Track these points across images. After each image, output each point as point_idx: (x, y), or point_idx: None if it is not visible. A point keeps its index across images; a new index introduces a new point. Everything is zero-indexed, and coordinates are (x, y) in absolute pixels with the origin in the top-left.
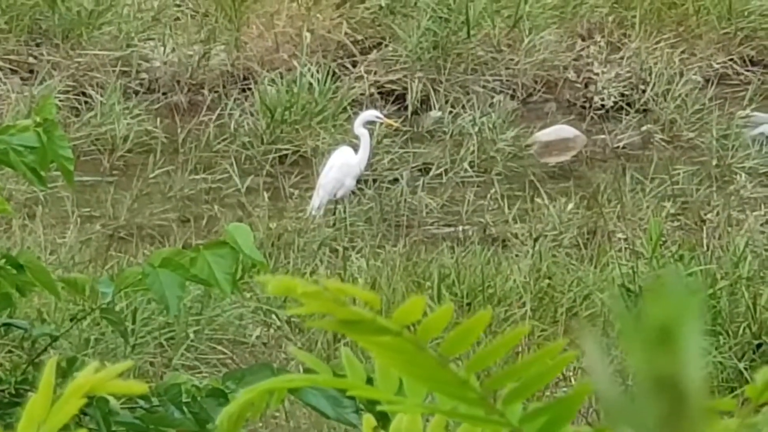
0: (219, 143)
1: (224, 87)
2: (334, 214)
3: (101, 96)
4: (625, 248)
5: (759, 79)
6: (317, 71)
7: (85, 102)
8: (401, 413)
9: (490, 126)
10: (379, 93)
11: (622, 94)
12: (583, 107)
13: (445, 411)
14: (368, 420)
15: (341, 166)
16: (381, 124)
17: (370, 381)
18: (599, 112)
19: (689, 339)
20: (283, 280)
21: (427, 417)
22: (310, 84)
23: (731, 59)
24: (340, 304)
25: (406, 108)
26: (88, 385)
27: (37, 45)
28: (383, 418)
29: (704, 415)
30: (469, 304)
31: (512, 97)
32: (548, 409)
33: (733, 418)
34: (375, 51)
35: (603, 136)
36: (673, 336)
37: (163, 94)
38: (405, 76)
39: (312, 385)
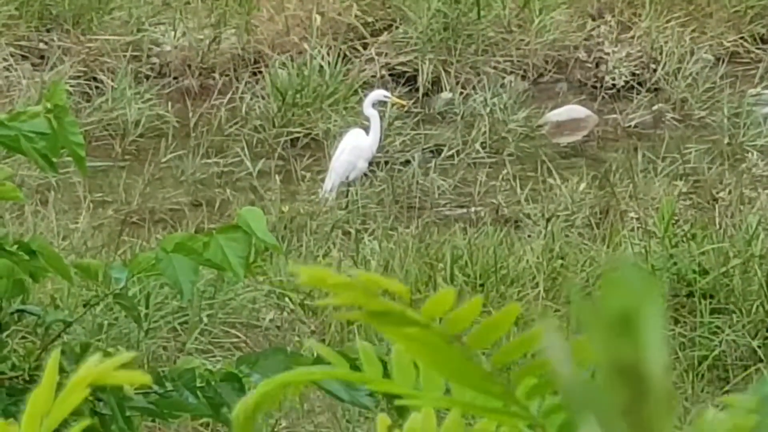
0: (230, 127)
1: (235, 71)
2: (347, 196)
3: (112, 81)
4: (638, 227)
5: None
6: (328, 54)
7: (96, 87)
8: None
9: (502, 107)
10: (390, 75)
11: (633, 74)
12: (594, 87)
13: (462, 404)
14: (383, 420)
15: (353, 149)
16: (392, 105)
17: (386, 370)
18: (610, 91)
19: (650, 325)
20: (315, 271)
21: (443, 416)
22: (321, 67)
23: (742, 37)
24: (370, 295)
25: (417, 90)
26: (91, 377)
27: (48, 31)
28: (401, 408)
29: (667, 402)
30: (482, 285)
31: (523, 78)
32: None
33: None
34: (385, 33)
35: (614, 116)
36: (633, 323)
37: (174, 78)
38: (416, 57)
39: (329, 378)
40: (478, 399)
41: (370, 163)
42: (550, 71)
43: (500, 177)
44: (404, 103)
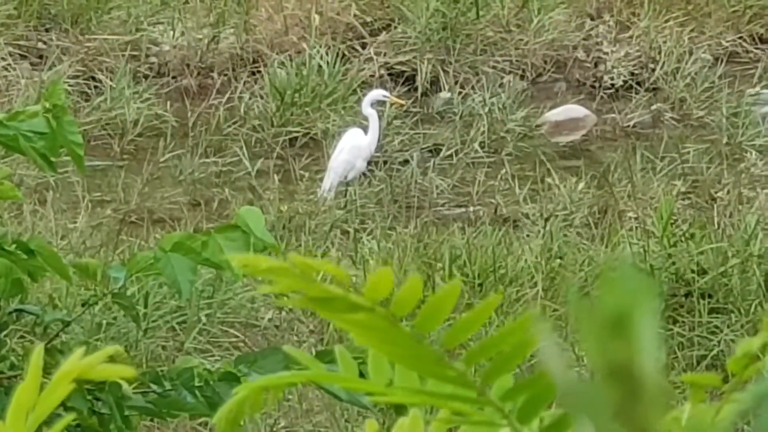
0: (229, 126)
1: (234, 70)
2: (345, 196)
3: (111, 80)
4: (636, 227)
5: None
6: (326, 53)
7: (95, 86)
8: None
9: (500, 106)
10: (388, 74)
11: (632, 73)
12: (593, 86)
13: (431, 395)
14: (371, 424)
15: (351, 148)
16: (391, 105)
17: (364, 372)
18: (609, 91)
19: (644, 326)
20: (247, 257)
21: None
22: (320, 66)
23: (741, 37)
24: (309, 280)
25: (415, 89)
26: (76, 371)
27: (47, 30)
28: (400, 407)
29: (660, 402)
30: (480, 285)
31: (522, 78)
32: (527, 385)
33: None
34: (384, 32)
35: (613, 115)
36: (627, 323)
37: (173, 77)
38: (414, 57)
39: (305, 381)
40: (445, 387)
41: (369, 163)
42: (548, 71)
43: (499, 177)
44: (403, 102)
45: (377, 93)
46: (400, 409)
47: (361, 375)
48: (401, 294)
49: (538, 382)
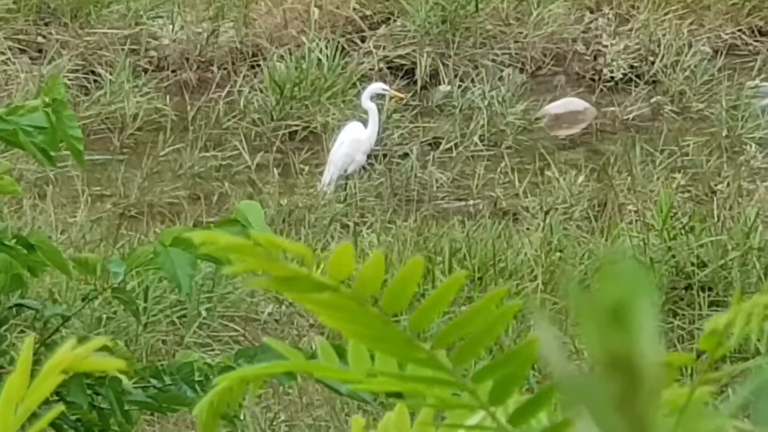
0: (229, 120)
1: (233, 64)
2: (345, 189)
3: (110, 74)
4: (636, 220)
5: None
6: (326, 47)
7: (95, 80)
8: (390, 413)
9: (500, 99)
10: (388, 68)
11: (632, 66)
12: (593, 79)
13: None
14: (357, 421)
15: (351, 142)
16: (390, 98)
17: (345, 361)
18: (608, 84)
19: (643, 317)
20: (206, 234)
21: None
22: (319, 60)
23: (740, 30)
24: (272, 260)
25: (415, 82)
26: (65, 363)
27: (46, 24)
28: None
29: (658, 394)
30: (480, 278)
31: (521, 71)
32: (498, 365)
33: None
34: (383, 26)
35: (612, 108)
36: (627, 315)
37: (173, 71)
38: (414, 50)
39: (283, 371)
40: (413, 368)
41: (369, 156)
42: (548, 64)
43: (498, 170)
44: (402, 96)
45: (377, 86)
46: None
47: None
48: (363, 272)
49: (508, 362)
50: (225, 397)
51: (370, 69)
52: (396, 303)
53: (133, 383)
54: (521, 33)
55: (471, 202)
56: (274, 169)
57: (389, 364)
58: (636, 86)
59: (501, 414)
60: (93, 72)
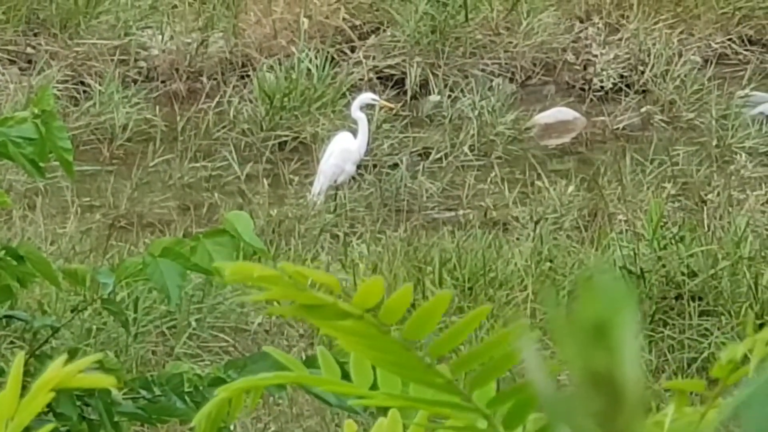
0: (218, 131)
1: (223, 74)
2: (335, 200)
3: (100, 85)
4: (626, 230)
5: (758, 59)
6: (315, 57)
7: (84, 91)
8: (383, 418)
9: (490, 109)
10: (377, 78)
11: (621, 76)
12: (582, 89)
13: (414, 399)
14: (350, 425)
15: (341, 152)
16: (380, 108)
17: (347, 375)
18: (598, 93)
19: (624, 333)
20: (240, 265)
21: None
22: (309, 70)
23: (730, 39)
24: (300, 288)
25: (405, 92)
26: (56, 380)
27: (35, 35)
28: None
29: (640, 411)
30: (470, 288)
31: (511, 80)
32: (514, 392)
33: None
34: (373, 36)
35: (602, 118)
36: (607, 331)
37: (162, 82)
38: (403, 60)
39: (286, 383)
40: (430, 393)
41: (358, 167)
42: (538, 74)
43: (488, 180)
44: (392, 106)
45: (366, 96)
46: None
47: (347, 378)
48: (390, 302)
49: (525, 389)
50: (223, 408)
51: (360, 79)
52: (419, 332)
53: (123, 394)
54: (511, 43)
55: (461, 212)
56: (264, 180)
57: (391, 379)
58: (626, 96)
59: None
60: (82, 83)
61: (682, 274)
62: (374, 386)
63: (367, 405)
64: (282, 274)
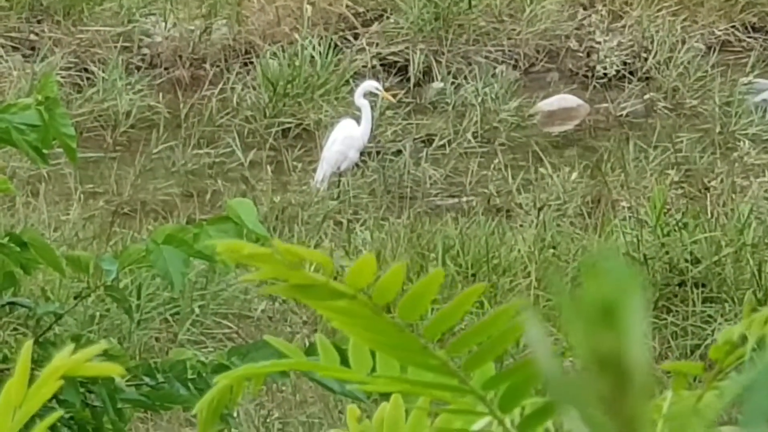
0: (221, 117)
1: (226, 61)
2: (338, 186)
3: (103, 72)
4: (629, 216)
5: (761, 46)
6: (319, 44)
7: (87, 78)
8: (386, 403)
9: (493, 96)
10: (381, 65)
11: (625, 63)
12: (586, 76)
13: (411, 382)
14: (352, 410)
15: (344, 139)
16: (382, 98)
17: (346, 361)
18: (602, 80)
19: (631, 316)
20: (230, 243)
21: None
22: (312, 57)
23: (733, 26)
24: (292, 267)
25: (408, 79)
26: (64, 368)
27: (39, 22)
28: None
29: (647, 393)
30: (473, 275)
31: (514, 67)
32: (510, 373)
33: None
34: (376, 23)
35: (606, 105)
36: (614, 313)
37: (165, 69)
38: (407, 47)
39: (285, 369)
40: (427, 377)
41: (362, 153)
42: (541, 61)
43: (492, 166)
44: (394, 100)
45: (369, 84)
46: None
47: (347, 364)
48: (383, 282)
49: (519, 370)
50: (225, 395)
51: (363, 66)
52: (413, 312)
53: (126, 381)
54: (514, 30)
55: (464, 198)
56: (267, 167)
57: (390, 364)
58: (629, 83)
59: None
60: (86, 69)
61: (686, 260)
62: (374, 372)
63: (365, 390)
64: (273, 253)
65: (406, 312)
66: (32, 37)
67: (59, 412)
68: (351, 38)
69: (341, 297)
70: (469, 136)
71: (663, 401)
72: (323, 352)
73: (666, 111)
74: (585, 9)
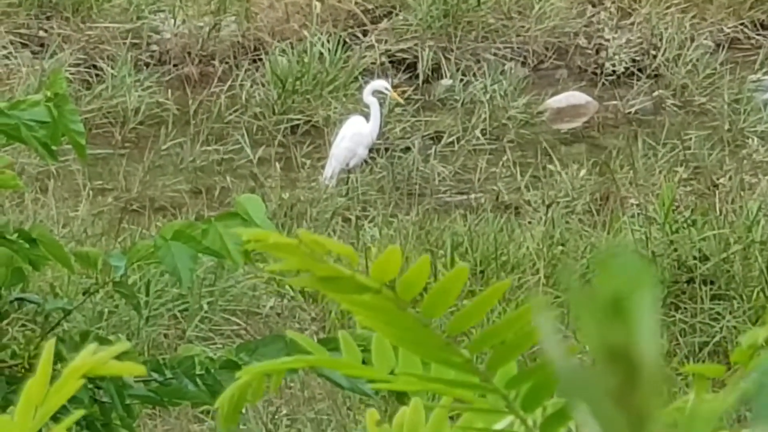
0: (230, 114)
1: (235, 58)
2: (347, 183)
3: (112, 68)
4: (638, 214)
5: None
6: (328, 41)
7: (96, 75)
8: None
9: (502, 93)
10: (390, 62)
11: (634, 60)
12: (595, 73)
13: (434, 380)
14: (372, 414)
15: (353, 136)
16: (391, 98)
17: (367, 359)
18: (610, 77)
19: (642, 310)
20: (256, 231)
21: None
22: (321, 54)
23: (742, 23)
24: (317, 259)
25: (417, 76)
26: (86, 367)
27: (48, 18)
28: (401, 395)
29: (658, 388)
30: (482, 272)
31: (523, 64)
32: (533, 372)
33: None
34: (385, 20)
35: (614, 102)
36: (625, 307)
37: (174, 65)
38: (416, 44)
39: (307, 366)
40: (449, 375)
41: (371, 150)
42: (550, 58)
43: (500, 163)
44: (402, 100)
45: (379, 84)
46: (401, 398)
47: (364, 362)
48: (408, 276)
49: (542, 370)
50: (245, 390)
51: (372, 63)
52: (437, 309)
53: (135, 377)
54: (523, 27)
55: (473, 195)
56: (276, 163)
57: (413, 363)
58: (638, 80)
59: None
60: (95, 66)
61: (694, 258)
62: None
63: (388, 389)
64: (298, 243)
65: (431, 308)
66: (41, 33)
67: (80, 411)
68: (360, 35)
69: (366, 291)
70: (477, 133)
71: (685, 404)
72: (346, 348)
73: (675, 108)
74: (594, 6)
